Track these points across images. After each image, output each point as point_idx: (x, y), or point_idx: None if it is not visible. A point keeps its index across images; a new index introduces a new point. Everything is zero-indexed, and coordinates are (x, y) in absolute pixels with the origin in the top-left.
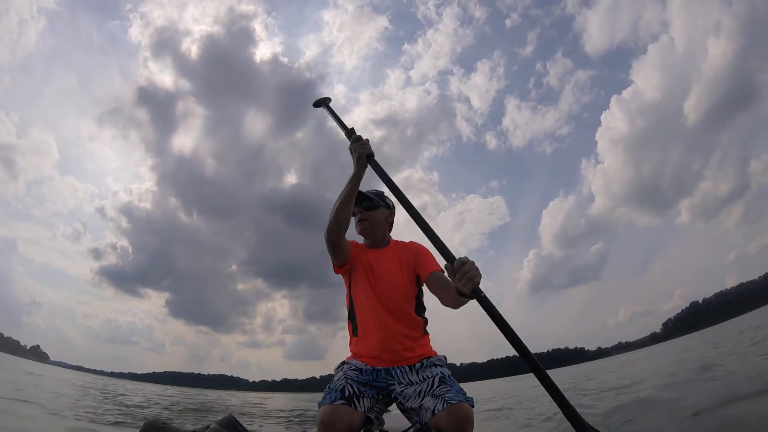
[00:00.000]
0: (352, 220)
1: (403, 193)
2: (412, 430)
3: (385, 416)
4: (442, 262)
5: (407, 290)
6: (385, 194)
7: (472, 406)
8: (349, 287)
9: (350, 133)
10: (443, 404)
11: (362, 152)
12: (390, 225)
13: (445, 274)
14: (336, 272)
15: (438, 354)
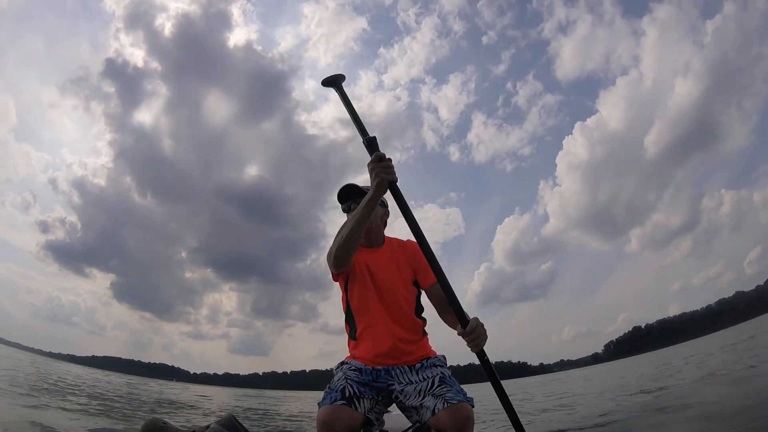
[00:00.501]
0: (347, 217)
1: (419, 226)
2: (412, 429)
3: (385, 416)
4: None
5: (406, 291)
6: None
7: (473, 407)
8: (346, 290)
9: (371, 144)
10: (444, 404)
11: (385, 178)
12: (385, 224)
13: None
14: (334, 279)
15: (438, 354)
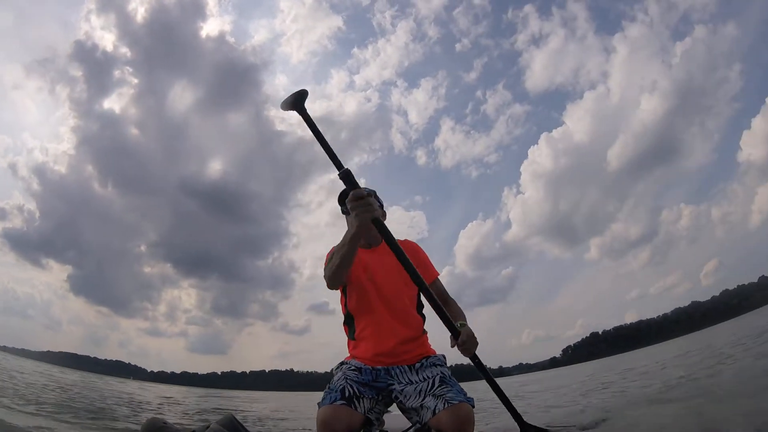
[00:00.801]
0: (347, 219)
1: (407, 258)
2: (412, 429)
3: (385, 416)
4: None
5: (405, 288)
6: (377, 193)
7: (473, 407)
8: (344, 291)
9: (348, 177)
10: (444, 404)
11: (366, 218)
12: None
13: (439, 276)
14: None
15: (437, 353)
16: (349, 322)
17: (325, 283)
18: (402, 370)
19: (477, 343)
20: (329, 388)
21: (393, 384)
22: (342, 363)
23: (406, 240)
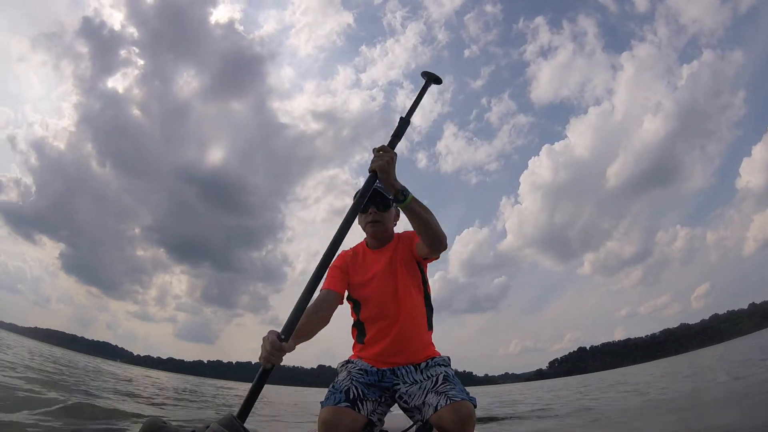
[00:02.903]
0: (360, 217)
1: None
2: (414, 427)
3: (386, 416)
4: None
5: (414, 284)
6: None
7: (475, 406)
8: (351, 296)
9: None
10: (446, 401)
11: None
12: (395, 223)
13: None
14: None
15: (442, 355)
16: (359, 327)
17: None
18: (408, 370)
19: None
20: (333, 387)
21: (398, 384)
22: (347, 362)
23: (405, 231)
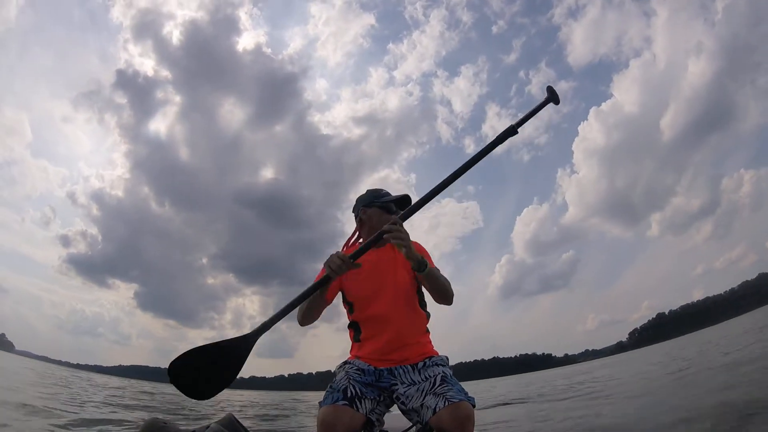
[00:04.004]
0: (353, 216)
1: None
2: (413, 429)
3: (385, 417)
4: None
5: (410, 286)
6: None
7: (474, 406)
8: (344, 297)
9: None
10: (445, 402)
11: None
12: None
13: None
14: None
15: (440, 354)
16: (354, 327)
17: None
18: (405, 370)
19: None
20: (331, 387)
21: (396, 385)
22: (345, 363)
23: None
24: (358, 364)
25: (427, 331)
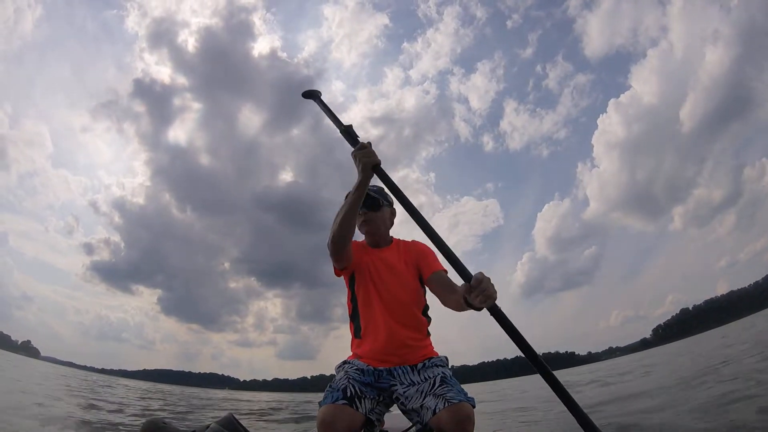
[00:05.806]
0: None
1: (412, 203)
2: (413, 429)
3: (385, 417)
4: (451, 270)
5: (413, 290)
6: (386, 191)
7: (474, 406)
8: (352, 288)
9: (349, 133)
10: (444, 403)
11: (368, 162)
12: (392, 224)
13: (447, 274)
14: (337, 275)
15: (440, 355)
16: (354, 319)
17: (332, 262)
18: (404, 370)
19: (496, 291)
20: (331, 387)
21: (395, 385)
22: (344, 362)
23: (413, 241)
24: (358, 364)
25: (428, 334)
